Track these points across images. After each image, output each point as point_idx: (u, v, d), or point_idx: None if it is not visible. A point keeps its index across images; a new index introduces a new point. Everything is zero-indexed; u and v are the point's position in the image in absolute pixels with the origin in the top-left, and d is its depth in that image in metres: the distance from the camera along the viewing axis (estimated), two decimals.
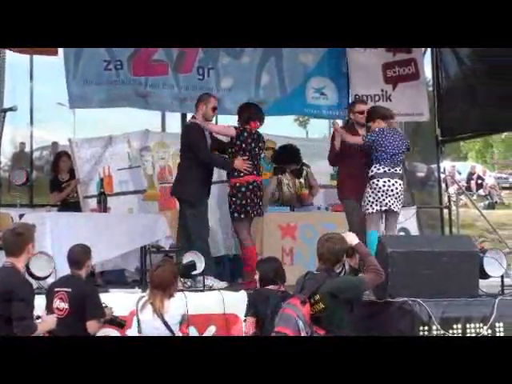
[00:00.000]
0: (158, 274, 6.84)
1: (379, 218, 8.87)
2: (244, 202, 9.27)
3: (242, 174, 9.31)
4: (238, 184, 9.32)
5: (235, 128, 9.52)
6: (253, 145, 9.44)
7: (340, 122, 12.32)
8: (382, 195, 8.74)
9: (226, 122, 10.89)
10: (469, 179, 27.59)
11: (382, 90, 12.82)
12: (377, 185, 8.77)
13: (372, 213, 8.78)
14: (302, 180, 10.94)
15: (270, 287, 7.11)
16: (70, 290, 6.83)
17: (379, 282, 6.56)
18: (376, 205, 8.77)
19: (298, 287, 6.55)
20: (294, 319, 6.21)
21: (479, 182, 27.99)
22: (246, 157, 9.35)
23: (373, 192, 8.78)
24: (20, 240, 6.18)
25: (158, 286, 6.78)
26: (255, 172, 9.45)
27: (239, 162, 9.35)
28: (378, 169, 8.82)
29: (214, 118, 10.65)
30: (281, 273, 7.27)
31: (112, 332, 7.41)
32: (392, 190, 8.76)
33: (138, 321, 6.86)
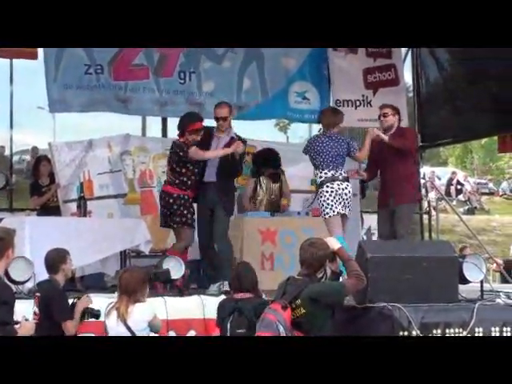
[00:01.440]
0: (125, 278, 6.74)
1: (340, 221, 9.00)
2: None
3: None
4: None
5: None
6: None
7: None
8: (339, 198, 8.94)
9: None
10: (448, 185, 27.71)
11: (363, 96, 12.87)
12: (332, 188, 8.94)
13: (333, 216, 8.93)
14: (277, 185, 10.92)
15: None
16: (39, 294, 6.82)
17: (360, 287, 6.57)
18: (336, 207, 8.92)
19: (279, 292, 6.54)
20: (275, 324, 6.21)
21: (459, 187, 28.15)
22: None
23: (330, 195, 8.91)
24: (0, 245, 6.15)
25: (125, 291, 6.69)
26: None
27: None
28: (326, 173, 9.01)
29: None
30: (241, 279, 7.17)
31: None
32: (346, 194, 8.98)
33: (105, 327, 6.81)
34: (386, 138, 9.34)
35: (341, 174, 9.02)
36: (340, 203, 8.92)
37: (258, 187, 10.72)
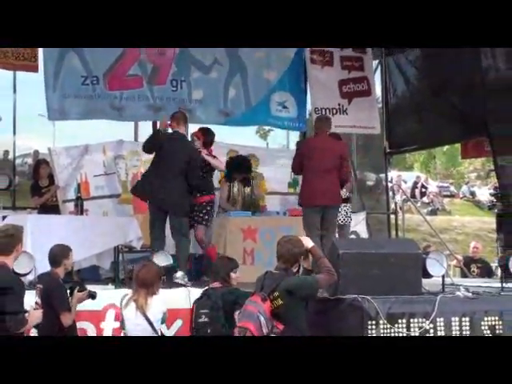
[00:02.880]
0: (143, 273, 6.78)
1: None
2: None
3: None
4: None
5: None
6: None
7: (297, 134, 12.55)
8: None
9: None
10: (413, 188, 27.76)
11: (339, 104, 12.95)
12: None
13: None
14: (249, 188, 10.96)
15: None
16: (41, 286, 6.82)
17: (332, 282, 6.59)
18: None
19: (258, 285, 6.55)
20: (256, 314, 6.20)
21: (423, 190, 28.18)
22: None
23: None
24: (10, 241, 6.17)
25: (143, 285, 6.70)
26: None
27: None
28: None
29: None
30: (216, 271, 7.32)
31: (87, 325, 7.41)
32: None
33: (122, 318, 6.82)
34: None
35: None
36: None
37: (232, 191, 10.77)
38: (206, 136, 10.00)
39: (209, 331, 6.75)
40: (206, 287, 7.26)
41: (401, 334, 6.76)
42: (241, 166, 10.83)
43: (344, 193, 9.84)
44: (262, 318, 6.19)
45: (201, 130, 10.26)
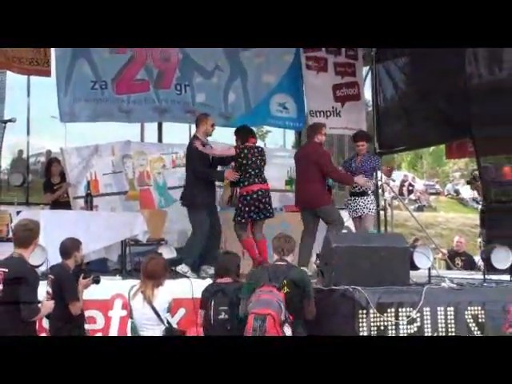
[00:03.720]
0: (152, 265, 6.76)
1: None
2: (247, 208, 9.08)
3: (246, 183, 9.13)
4: (244, 193, 9.15)
5: (235, 147, 9.28)
6: (253, 159, 9.22)
7: (293, 132, 12.60)
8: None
9: None
10: (401, 186, 27.74)
11: (333, 107, 13.05)
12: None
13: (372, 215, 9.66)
14: None
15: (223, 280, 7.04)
16: (52, 276, 6.82)
17: (312, 314, 6.67)
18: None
19: (263, 276, 6.51)
20: (277, 302, 6.16)
21: (410, 188, 28.17)
22: (251, 169, 9.18)
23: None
24: (30, 234, 6.19)
25: (150, 277, 6.68)
26: (261, 181, 9.25)
27: (228, 173, 9.34)
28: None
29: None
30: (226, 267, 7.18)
31: (95, 313, 7.41)
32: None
33: (130, 308, 6.81)
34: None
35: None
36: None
37: (235, 195, 10.66)
38: (238, 135, 9.53)
39: (228, 328, 6.64)
40: (215, 281, 7.16)
41: (389, 323, 6.76)
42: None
43: (357, 189, 9.76)
44: (282, 306, 6.17)
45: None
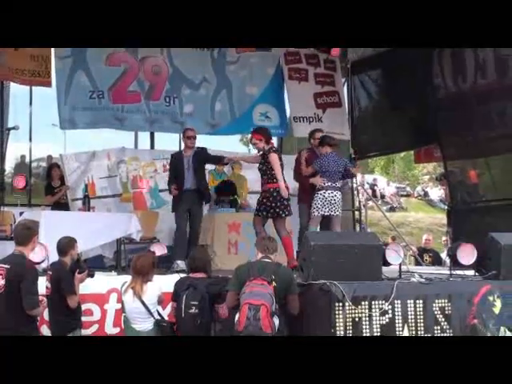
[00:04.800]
0: (140, 262, 6.72)
1: (319, 220, 8.97)
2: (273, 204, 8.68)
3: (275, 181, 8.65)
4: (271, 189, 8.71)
5: (261, 154, 8.84)
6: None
7: (275, 139, 12.60)
8: (325, 203, 8.87)
9: None
10: (372, 189, 27.75)
11: (315, 114, 13.06)
12: (323, 195, 8.87)
13: (316, 215, 8.88)
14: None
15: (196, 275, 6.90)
16: (51, 272, 6.79)
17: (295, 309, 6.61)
18: (321, 210, 8.87)
19: (252, 271, 6.43)
20: (268, 294, 6.14)
21: (382, 190, 28.21)
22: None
23: (320, 200, 8.89)
24: (29, 233, 6.16)
25: (139, 273, 6.65)
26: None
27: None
28: (324, 183, 8.91)
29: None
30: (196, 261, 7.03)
31: (92, 306, 7.38)
32: (334, 200, 8.88)
33: (122, 302, 6.78)
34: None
35: (335, 184, 8.96)
36: (326, 207, 8.88)
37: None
38: (263, 135, 8.94)
39: (198, 322, 6.54)
40: (185, 276, 7.06)
41: (363, 315, 6.76)
42: (229, 189, 10.78)
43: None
44: (273, 298, 6.16)
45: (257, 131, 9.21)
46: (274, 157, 8.60)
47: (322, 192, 8.90)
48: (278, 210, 8.60)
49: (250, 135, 10.02)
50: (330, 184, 8.92)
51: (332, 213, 8.88)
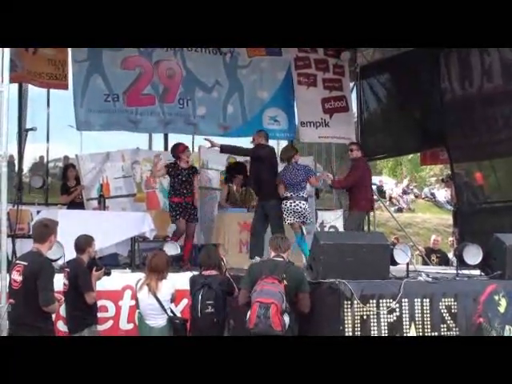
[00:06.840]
0: (155, 260, 6.75)
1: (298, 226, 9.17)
2: None
3: None
4: None
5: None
6: None
7: (285, 142, 12.59)
8: (290, 212, 9.08)
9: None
10: (379, 190, 27.63)
11: (322, 119, 13.03)
12: (284, 204, 9.13)
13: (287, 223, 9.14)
14: (244, 188, 11.04)
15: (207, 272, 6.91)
16: (68, 270, 6.81)
17: (306, 309, 6.61)
18: (289, 219, 9.11)
19: (264, 269, 6.48)
20: (279, 293, 6.17)
21: (390, 191, 28.12)
22: None
23: (285, 210, 9.13)
24: (46, 230, 6.17)
25: (154, 271, 6.68)
26: None
27: None
28: (287, 194, 9.15)
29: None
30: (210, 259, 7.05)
31: (107, 303, 7.40)
32: (297, 209, 9.07)
33: (137, 299, 6.80)
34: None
35: (298, 194, 9.11)
36: (292, 216, 9.05)
37: (231, 191, 10.81)
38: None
39: (215, 320, 6.59)
40: (198, 273, 7.03)
41: (371, 313, 6.76)
42: (241, 170, 10.88)
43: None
44: (283, 296, 6.18)
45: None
46: None
47: (284, 202, 9.18)
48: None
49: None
50: (290, 194, 9.13)
51: (298, 219, 9.10)
